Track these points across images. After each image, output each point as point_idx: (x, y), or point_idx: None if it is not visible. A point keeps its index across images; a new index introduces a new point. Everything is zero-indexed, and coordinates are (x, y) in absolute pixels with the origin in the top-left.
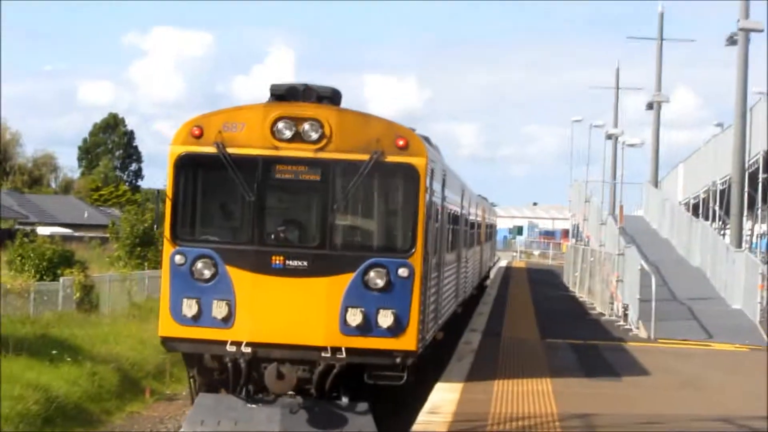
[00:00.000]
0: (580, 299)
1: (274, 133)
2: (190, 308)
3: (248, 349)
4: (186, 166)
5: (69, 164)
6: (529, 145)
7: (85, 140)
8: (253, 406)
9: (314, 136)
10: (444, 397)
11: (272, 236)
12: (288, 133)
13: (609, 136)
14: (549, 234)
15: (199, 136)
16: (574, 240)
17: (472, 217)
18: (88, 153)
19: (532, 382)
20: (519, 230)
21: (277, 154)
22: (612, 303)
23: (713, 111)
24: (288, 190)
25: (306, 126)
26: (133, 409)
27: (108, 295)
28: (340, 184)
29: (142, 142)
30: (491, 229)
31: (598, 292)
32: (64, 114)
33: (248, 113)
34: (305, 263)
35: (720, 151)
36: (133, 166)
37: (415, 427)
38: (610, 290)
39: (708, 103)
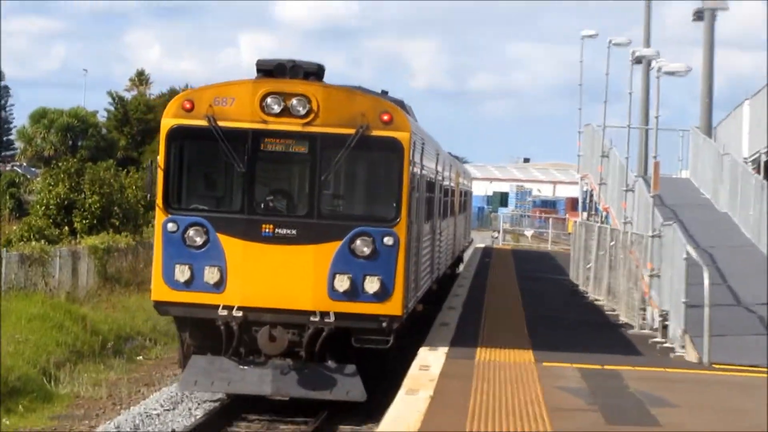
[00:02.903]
0: (596, 303)
1: (263, 107)
2: (182, 273)
3: (239, 313)
4: (177, 138)
5: None
6: (516, 72)
7: None
8: (245, 367)
9: (302, 111)
10: None
11: (262, 205)
12: (277, 108)
13: (638, 60)
14: (548, 205)
15: (191, 110)
16: (585, 214)
17: (446, 183)
18: None
19: (524, 424)
20: (502, 198)
21: (266, 127)
22: (644, 309)
23: None
24: (277, 162)
25: (294, 101)
26: None
27: None
28: (326, 157)
29: None
30: (465, 197)
31: (623, 293)
32: None
33: (238, 88)
34: (294, 231)
35: None
36: None
37: None
38: (641, 290)
39: None
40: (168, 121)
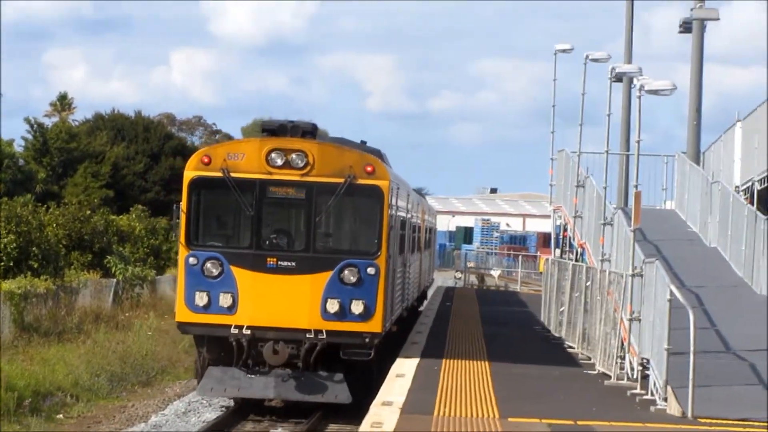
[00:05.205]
0: (569, 350)
1: (269, 161)
2: (201, 299)
3: (248, 331)
4: (198, 187)
5: None
6: (482, 92)
7: None
8: (252, 376)
9: (300, 163)
10: None
11: (267, 242)
12: (279, 162)
13: (618, 78)
14: (517, 241)
15: (208, 164)
16: (558, 251)
17: (414, 221)
18: None
19: None
20: (466, 234)
21: (271, 177)
22: (622, 357)
23: None
24: (279, 206)
25: (294, 156)
26: None
27: None
28: (320, 201)
29: None
30: (430, 234)
31: (599, 339)
32: None
33: (247, 146)
34: (293, 263)
35: None
36: None
37: None
38: (620, 336)
39: None
40: (190, 173)
